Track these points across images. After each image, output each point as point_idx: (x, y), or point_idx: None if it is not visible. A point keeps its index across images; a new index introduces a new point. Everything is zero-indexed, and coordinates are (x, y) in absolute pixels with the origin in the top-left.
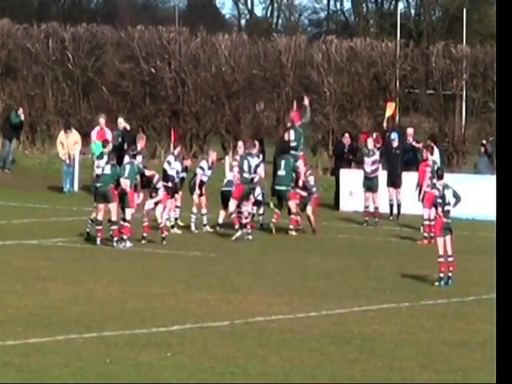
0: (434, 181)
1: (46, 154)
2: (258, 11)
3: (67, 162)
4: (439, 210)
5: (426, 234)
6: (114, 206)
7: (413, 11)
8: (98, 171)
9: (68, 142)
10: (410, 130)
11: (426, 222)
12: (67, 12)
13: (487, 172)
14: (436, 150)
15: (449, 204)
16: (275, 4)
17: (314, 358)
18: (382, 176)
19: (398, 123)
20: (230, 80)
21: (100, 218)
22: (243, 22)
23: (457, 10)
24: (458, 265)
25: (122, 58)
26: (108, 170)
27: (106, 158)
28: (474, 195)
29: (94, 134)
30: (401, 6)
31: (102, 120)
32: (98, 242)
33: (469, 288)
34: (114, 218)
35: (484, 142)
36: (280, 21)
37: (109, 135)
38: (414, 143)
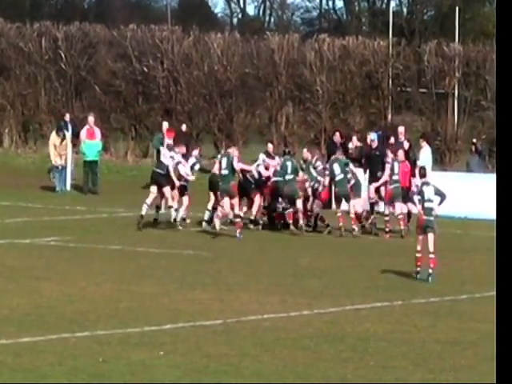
0: (394, 177)
1: (39, 153)
2: (250, 10)
3: (59, 168)
4: (419, 206)
5: (387, 229)
6: (236, 201)
7: (405, 9)
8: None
9: (60, 144)
10: (401, 129)
11: (387, 218)
12: (60, 11)
13: (479, 170)
14: (428, 149)
15: (429, 201)
16: (267, 3)
17: (307, 357)
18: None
19: (391, 122)
20: (223, 79)
21: (237, 211)
22: (235, 20)
23: (449, 9)
24: (450, 263)
25: (114, 57)
26: (226, 169)
27: (222, 158)
28: (466, 193)
29: (83, 133)
30: (393, 4)
31: (91, 119)
32: (238, 234)
33: (462, 286)
34: (236, 212)
35: (474, 140)
36: (272, 19)
37: (98, 134)
38: (405, 142)
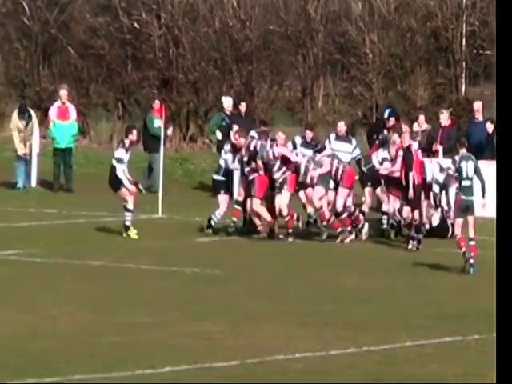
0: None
1: None
2: None
3: (27, 157)
4: (455, 185)
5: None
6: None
7: None
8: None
9: (25, 128)
10: (477, 105)
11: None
12: None
13: None
14: None
15: (468, 179)
16: None
17: None
18: None
19: (464, 95)
20: (240, 38)
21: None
22: None
23: None
24: None
25: (94, 10)
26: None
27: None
28: None
29: (53, 111)
30: None
31: (63, 92)
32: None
33: None
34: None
35: None
36: None
37: (72, 113)
38: (488, 125)
